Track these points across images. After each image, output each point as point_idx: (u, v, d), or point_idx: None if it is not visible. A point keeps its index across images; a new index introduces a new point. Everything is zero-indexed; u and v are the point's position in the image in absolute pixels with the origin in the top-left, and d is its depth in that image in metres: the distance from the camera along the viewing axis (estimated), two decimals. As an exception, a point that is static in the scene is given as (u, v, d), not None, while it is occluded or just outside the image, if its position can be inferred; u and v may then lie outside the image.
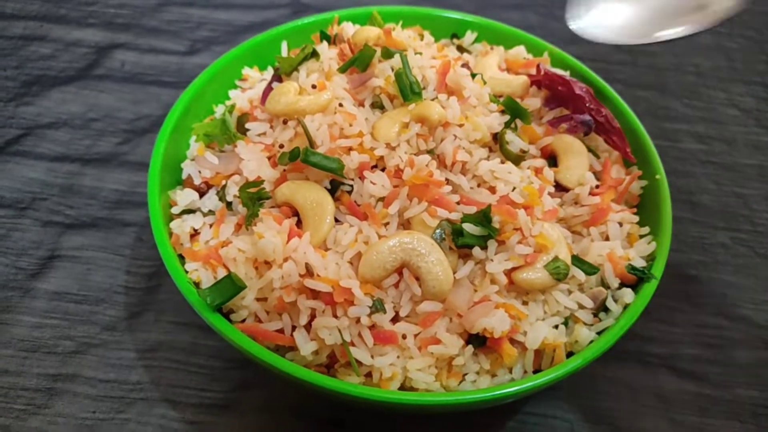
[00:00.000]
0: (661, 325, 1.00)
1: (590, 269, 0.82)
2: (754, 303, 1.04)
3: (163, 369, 0.92)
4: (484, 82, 0.92)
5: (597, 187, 0.89)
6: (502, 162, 0.85)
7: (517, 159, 0.87)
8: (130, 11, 1.40)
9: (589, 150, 0.93)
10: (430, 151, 0.84)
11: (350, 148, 0.83)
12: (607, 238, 0.87)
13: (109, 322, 0.96)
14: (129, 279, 1.00)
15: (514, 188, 0.83)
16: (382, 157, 0.83)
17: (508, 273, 0.79)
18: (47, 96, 1.23)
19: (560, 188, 0.89)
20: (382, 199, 0.80)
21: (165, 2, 1.42)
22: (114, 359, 0.92)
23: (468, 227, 0.77)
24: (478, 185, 0.84)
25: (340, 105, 0.86)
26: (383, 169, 0.83)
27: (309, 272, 0.74)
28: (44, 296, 0.97)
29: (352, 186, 0.82)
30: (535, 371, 0.79)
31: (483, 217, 0.78)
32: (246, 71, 1.04)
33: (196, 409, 0.88)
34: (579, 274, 0.81)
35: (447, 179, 0.82)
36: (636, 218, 0.89)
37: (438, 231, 0.78)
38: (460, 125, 0.86)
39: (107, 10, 1.39)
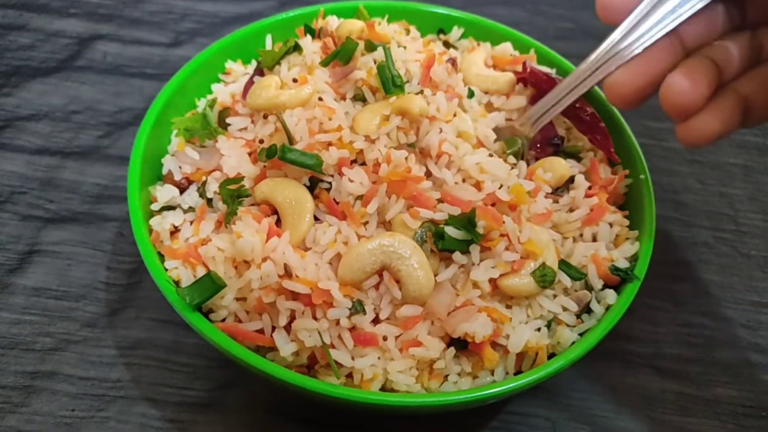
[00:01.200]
0: (644, 325, 1.00)
1: (577, 274, 0.81)
2: (737, 303, 1.04)
3: (143, 367, 0.91)
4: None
5: (589, 188, 0.88)
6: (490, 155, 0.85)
7: (512, 142, 0.87)
8: (112, 1, 1.37)
9: (570, 155, 0.93)
10: (410, 145, 0.83)
11: (329, 143, 0.81)
12: (594, 239, 0.86)
13: (90, 318, 0.94)
14: (110, 275, 0.99)
15: (501, 185, 0.82)
16: (362, 152, 0.82)
17: (492, 279, 0.78)
18: (27, 87, 1.20)
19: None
20: (361, 197, 0.79)
21: (149, -8, 1.40)
22: (94, 356, 0.91)
23: (450, 231, 0.76)
24: (463, 180, 0.83)
25: (320, 99, 0.85)
26: (363, 164, 0.82)
27: (288, 273, 0.73)
28: (23, 292, 0.96)
29: (330, 183, 0.81)
30: (517, 372, 0.78)
31: (467, 222, 0.76)
32: (229, 65, 1.02)
33: (177, 407, 0.88)
34: (565, 279, 0.80)
35: (430, 173, 0.81)
36: (627, 222, 0.88)
37: (419, 232, 0.77)
38: (447, 121, 0.85)
39: (89, -1, 1.37)
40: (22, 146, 1.12)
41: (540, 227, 0.80)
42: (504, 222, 0.77)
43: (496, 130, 0.91)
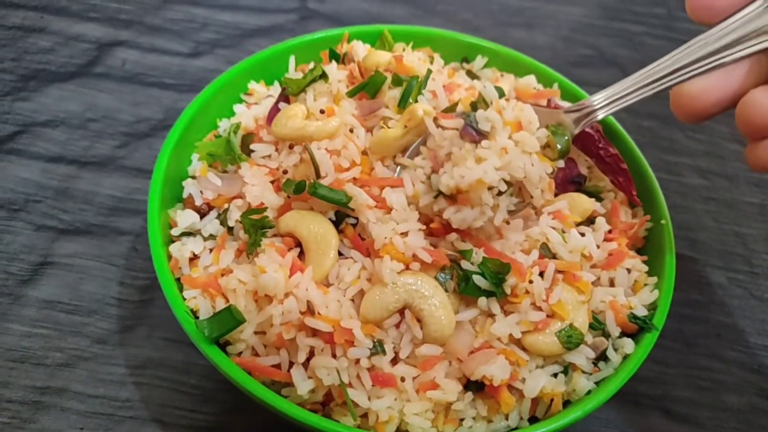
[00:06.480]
0: (655, 365, 1.00)
1: (596, 324, 0.81)
2: (748, 347, 1.04)
3: (153, 387, 0.90)
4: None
5: (609, 231, 0.88)
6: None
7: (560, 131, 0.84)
8: (133, 7, 1.36)
9: (592, 194, 0.93)
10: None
11: (356, 179, 0.81)
12: (611, 283, 0.86)
13: (101, 334, 0.94)
14: (122, 291, 0.98)
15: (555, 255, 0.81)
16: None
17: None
18: (45, 92, 1.19)
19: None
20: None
21: (169, -1, 1.39)
22: (104, 374, 0.91)
23: (478, 279, 0.75)
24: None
25: (351, 131, 0.84)
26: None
27: (310, 309, 0.73)
28: (35, 304, 0.95)
29: (357, 218, 0.80)
30: (531, 417, 0.78)
31: (497, 278, 0.76)
32: (252, 85, 1.01)
33: (185, 431, 0.87)
34: (588, 338, 0.80)
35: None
36: (645, 267, 0.88)
37: (443, 273, 0.77)
38: None
39: (110, 4, 1.35)
40: (38, 153, 1.11)
41: (571, 287, 0.80)
42: (532, 281, 0.77)
43: (537, 112, 0.83)
